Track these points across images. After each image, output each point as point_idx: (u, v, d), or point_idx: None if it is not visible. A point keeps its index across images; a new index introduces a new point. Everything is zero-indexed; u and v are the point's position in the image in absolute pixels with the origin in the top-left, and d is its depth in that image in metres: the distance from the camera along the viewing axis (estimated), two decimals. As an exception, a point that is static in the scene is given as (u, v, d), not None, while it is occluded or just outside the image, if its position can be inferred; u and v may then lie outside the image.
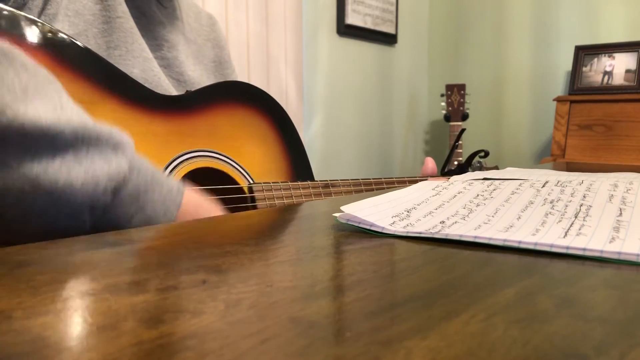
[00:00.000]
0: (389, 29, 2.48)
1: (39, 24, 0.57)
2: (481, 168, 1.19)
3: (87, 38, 0.65)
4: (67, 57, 0.60)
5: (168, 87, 0.73)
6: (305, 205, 0.54)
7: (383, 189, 0.89)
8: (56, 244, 0.33)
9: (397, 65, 2.59)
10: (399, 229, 0.37)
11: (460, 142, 1.72)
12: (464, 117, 2.39)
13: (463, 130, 1.29)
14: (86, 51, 0.62)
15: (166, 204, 0.48)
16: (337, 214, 0.40)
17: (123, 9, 0.69)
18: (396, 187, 0.91)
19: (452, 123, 2.39)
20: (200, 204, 0.53)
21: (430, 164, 1.02)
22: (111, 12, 0.68)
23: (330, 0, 2.23)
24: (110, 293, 0.24)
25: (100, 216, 0.44)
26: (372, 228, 0.37)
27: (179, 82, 0.78)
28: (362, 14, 2.33)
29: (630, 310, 0.22)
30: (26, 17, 0.57)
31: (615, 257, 0.29)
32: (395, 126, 2.61)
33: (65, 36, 0.59)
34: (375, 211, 0.41)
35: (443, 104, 2.45)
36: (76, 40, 0.61)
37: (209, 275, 0.27)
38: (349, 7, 2.26)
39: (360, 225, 0.38)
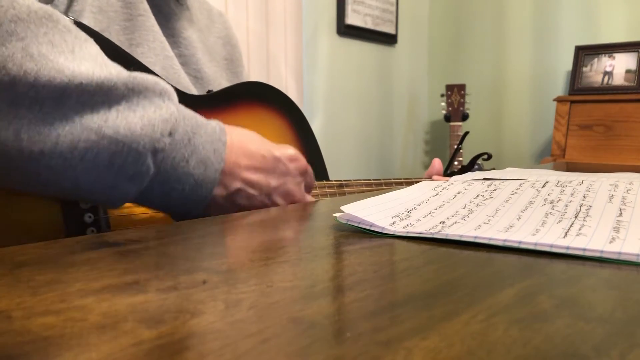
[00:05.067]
0: (389, 29, 2.48)
1: (77, 23, 0.57)
2: (480, 170, 1.20)
3: (110, 35, 0.65)
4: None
5: (187, 85, 0.73)
6: (304, 205, 0.54)
7: (393, 189, 0.93)
8: (56, 244, 0.33)
9: (397, 66, 2.59)
10: (399, 229, 0.37)
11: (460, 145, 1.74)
12: (464, 117, 2.39)
13: (467, 133, 1.28)
14: (126, 54, 0.62)
15: (214, 143, 0.51)
16: (337, 214, 0.40)
17: (144, 7, 0.70)
18: (404, 187, 0.95)
19: (452, 123, 2.38)
20: (242, 138, 0.55)
21: (437, 164, 1.00)
22: (133, 10, 0.68)
23: (330, 0, 2.23)
24: (110, 293, 0.24)
25: (161, 160, 0.47)
26: (372, 228, 0.37)
27: (197, 79, 0.78)
28: (362, 14, 2.33)
29: (631, 310, 0.22)
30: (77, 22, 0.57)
31: (616, 257, 0.29)
32: (395, 126, 2.61)
33: (102, 36, 0.59)
34: (375, 211, 0.41)
35: (443, 104, 2.45)
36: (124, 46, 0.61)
37: (209, 275, 0.27)
38: (349, 7, 2.26)
39: (360, 226, 0.38)
